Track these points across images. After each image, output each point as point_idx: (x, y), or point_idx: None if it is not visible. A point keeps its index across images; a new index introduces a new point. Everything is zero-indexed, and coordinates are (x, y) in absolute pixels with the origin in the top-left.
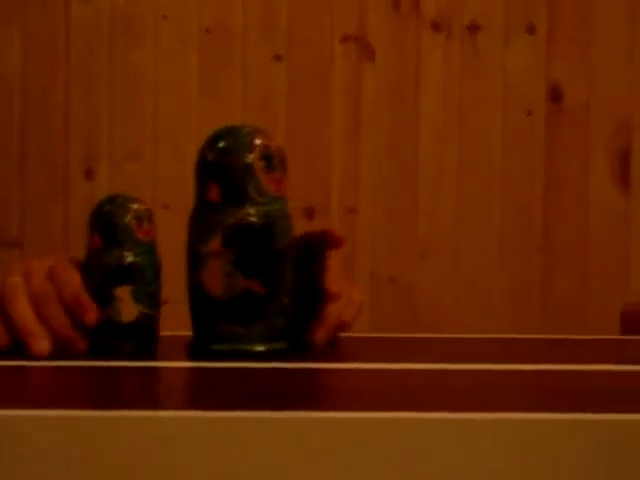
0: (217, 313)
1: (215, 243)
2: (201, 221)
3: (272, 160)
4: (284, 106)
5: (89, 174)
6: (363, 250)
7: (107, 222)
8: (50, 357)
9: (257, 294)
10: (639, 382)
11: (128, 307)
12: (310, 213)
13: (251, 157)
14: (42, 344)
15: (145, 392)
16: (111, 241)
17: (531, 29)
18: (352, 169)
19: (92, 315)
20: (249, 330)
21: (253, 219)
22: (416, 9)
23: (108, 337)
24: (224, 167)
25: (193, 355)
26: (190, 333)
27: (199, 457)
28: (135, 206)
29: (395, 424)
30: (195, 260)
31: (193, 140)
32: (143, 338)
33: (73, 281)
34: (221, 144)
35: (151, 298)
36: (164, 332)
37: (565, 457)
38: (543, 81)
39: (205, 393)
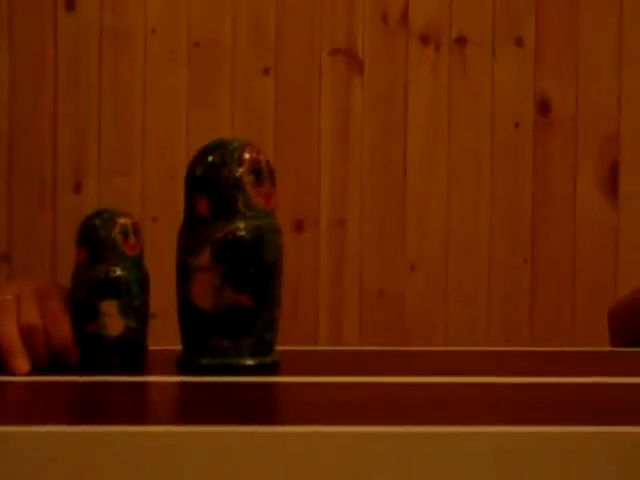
0: (206, 327)
1: (204, 257)
2: (190, 235)
3: (261, 174)
4: (273, 119)
5: (77, 188)
6: (352, 263)
7: (93, 237)
8: (38, 372)
9: (246, 308)
10: (629, 394)
11: (114, 321)
12: (299, 226)
13: (240, 171)
14: (24, 364)
15: (133, 407)
16: (97, 256)
17: (519, 42)
18: (341, 182)
19: (74, 362)
20: (238, 344)
21: (242, 233)
22: (404, 22)
23: (95, 352)
24: (213, 181)
25: (182, 369)
26: (179, 347)
27: (187, 472)
28: (122, 220)
29: (383, 437)
30: (184, 274)
31: (182, 153)
32: (130, 352)
33: (64, 328)
34: (210, 158)
35: (137, 312)
36: (153, 346)
37: (552, 470)
38: (531, 93)
39: (193, 408)
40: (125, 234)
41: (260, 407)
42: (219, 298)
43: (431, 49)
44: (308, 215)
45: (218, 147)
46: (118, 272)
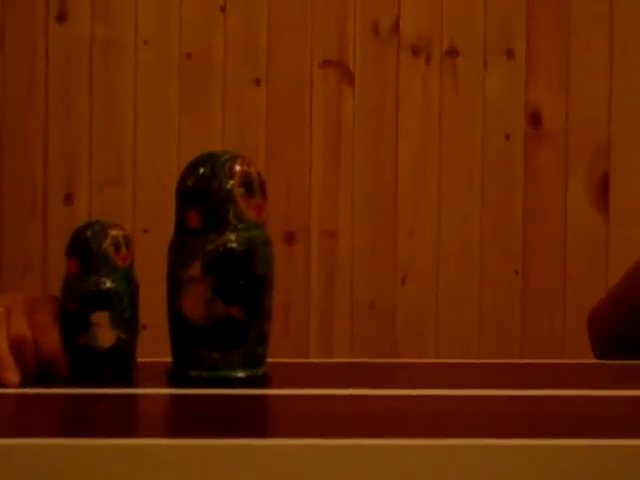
0: (197, 339)
1: (195, 269)
2: (181, 247)
3: (252, 186)
4: (264, 130)
5: (68, 199)
6: (343, 275)
7: (84, 248)
8: (28, 384)
9: (237, 320)
10: (619, 407)
11: (105, 333)
12: (290, 237)
13: (231, 183)
14: (14, 376)
15: (122, 420)
16: (88, 267)
17: (510, 54)
18: (332, 193)
19: (64, 374)
20: (229, 356)
21: (233, 245)
22: (395, 33)
23: (85, 363)
24: (204, 193)
25: (172, 382)
26: (169, 359)
27: None
28: (113, 232)
29: (374, 450)
30: (175, 286)
31: (173, 164)
32: (120, 364)
33: (53, 340)
34: (201, 170)
35: (128, 324)
36: (142, 358)
37: None
38: (522, 105)
39: (183, 420)
40: (117, 245)
41: (250, 420)
42: (210, 310)
43: (422, 61)
44: (299, 227)
45: (209, 159)
46: (109, 283)
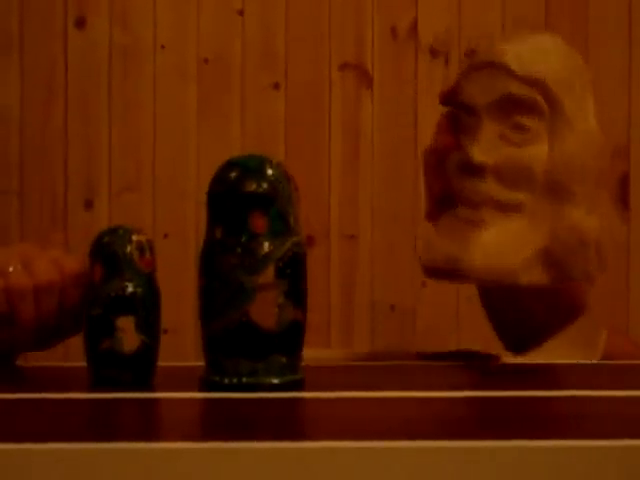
0: (268, 345)
1: (268, 275)
2: (244, 252)
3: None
4: (283, 134)
5: (88, 204)
6: (363, 278)
7: (108, 253)
8: (52, 390)
9: (301, 324)
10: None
11: (130, 337)
12: (310, 241)
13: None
14: (30, 313)
15: (153, 424)
16: (112, 271)
17: None
18: (351, 196)
19: (78, 331)
20: (294, 360)
21: (301, 249)
22: (414, 36)
23: (109, 367)
24: (272, 197)
25: (245, 389)
26: (189, 363)
27: None
28: (136, 237)
29: (395, 453)
30: (241, 293)
31: (192, 169)
32: (143, 369)
33: (79, 291)
34: (267, 173)
35: (151, 328)
36: (162, 362)
37: None
38: None
39: (215, 425)
40: (141, 250)
41: (285, 423)
42: (281, 316)
43: (440, 62)
44: (318, 230)
45: (260, 161)
46: (135, 288)
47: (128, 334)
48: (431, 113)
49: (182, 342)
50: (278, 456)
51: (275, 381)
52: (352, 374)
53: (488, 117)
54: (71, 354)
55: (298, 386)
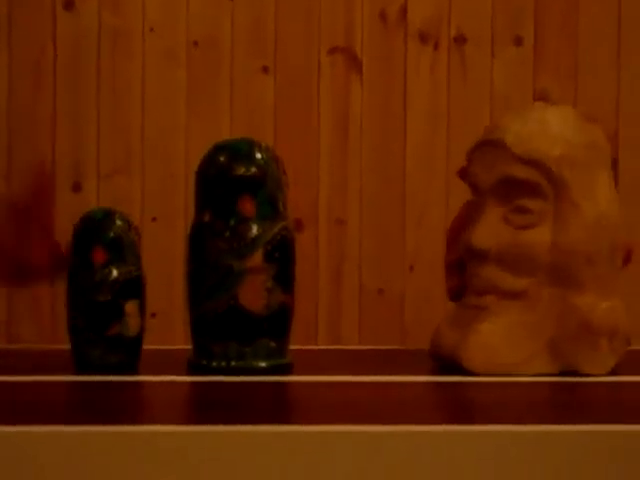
0: (256, 329)
1: (256, 259)
2: (232, 236)
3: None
4: (272, 118)
5: (76, 187)
6: (351, 262)
7: (112, 237)
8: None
9: (289, 308)
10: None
11: (135, 321)
12: (298, 225)
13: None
14: None
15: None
16: (117, 256)
17: (518, 41)
18: (340, 181)
19: None
20: (282, 344)
21: (289, 233)
22: (403, 20)
23: (116, 352)
24: (260, 181)
25: (234, 372)
26: (174, 347)
27: (195, 472)
28: (132, 222)
29: (383, 437)
30: (230, 277)
31: (181, 152)
32: (139, 351)
33: None
34: (255, 157)
35: (145, 312)
36: (149, 345)
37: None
38: (530, 93)
39: (202, 408)
40: (138, 236)
41: (273, 407)
42: (270, 299)
43: (430, 48)
44: (307, 214)
45: (247, 145)
46: (139, 272)
47: (133, 318)
48: (419, 98)
49: (170, 326)
50: (266, 439)
51: (263, 365)
52: (340, 358)
53: (491, 199)
54: (59, 338)
55: (286, 370)
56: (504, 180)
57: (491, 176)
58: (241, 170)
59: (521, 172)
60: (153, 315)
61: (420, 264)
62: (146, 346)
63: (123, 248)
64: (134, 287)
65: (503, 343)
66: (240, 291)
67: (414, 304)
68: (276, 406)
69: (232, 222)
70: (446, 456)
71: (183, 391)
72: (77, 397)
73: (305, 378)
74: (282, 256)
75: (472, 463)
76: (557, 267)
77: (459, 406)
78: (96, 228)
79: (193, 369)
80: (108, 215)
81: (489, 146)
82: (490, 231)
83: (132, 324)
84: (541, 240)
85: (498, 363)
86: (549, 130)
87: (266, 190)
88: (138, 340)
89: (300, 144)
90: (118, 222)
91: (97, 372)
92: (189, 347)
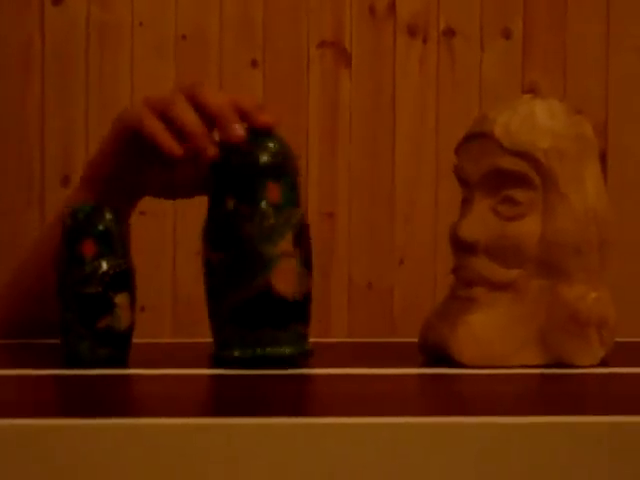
0: (290, 314)
1: (287, 243)
2: (261, 222)
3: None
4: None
5: (65, 182)
6: (341, 256)
7: (104, 230)
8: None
9: (310, 293)
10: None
11: (126, 314)
12: None
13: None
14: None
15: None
16: (108, 248)
17: (507, 34)
18: (329, 174)
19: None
20: (307, 330)
21: (306, 220)
22: (392, 14)
23: (106, 346)
24: (283, 167)
25: (258, 363)
26: (163, 340)
27: (201, 465)
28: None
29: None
30: (262, 263)
31: None
32: (129, 345)
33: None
34: (271, 145)
35: (135, 304)
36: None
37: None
38: (519, 85)
39: (225, 402)
40: (128, 226)
41: (285, 399)
42: (301, 284)
43: (419, 41)
44: None
45: (268, 134)
46: (129, 264)
47: (124, 311)
48: (409, 92)
49: (159, 320)
50: (258, 432)
51: (293, 351)
52: (355, 350)
53: (480, 191)
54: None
55: (310, 356)
56: (492, 172)
57: (479, 168)
58: (267, 157)
59: (509, 163)
60: (142, 309)
61: (409, 258)
62: (135, 340)
63: (112, 241)
64: (124, 280)
65: (493, 334)
66: (273, 276)
67: (403, 298)
68: (269, 401)
69: (259, 208)
70: (438, 448)
71: (178, 384)
72: (67, 391)
73: (296, 371)
74: (306, 241)
75: (463, 455)
76: (546, 258)
77: (450, 398)
78: (85, 221)
79: (220, 361)
80: (97, 208)
81: (477, 139)
82: (478, 223)
83: (122, 317)
84: (530, 231)
85: (488, 355)
86: (537, 122)
87: (288, 176)
88: (128, 333)
89: (289, 138)
90: (107, 215)
91: (87, 366)
92: (178, 340)
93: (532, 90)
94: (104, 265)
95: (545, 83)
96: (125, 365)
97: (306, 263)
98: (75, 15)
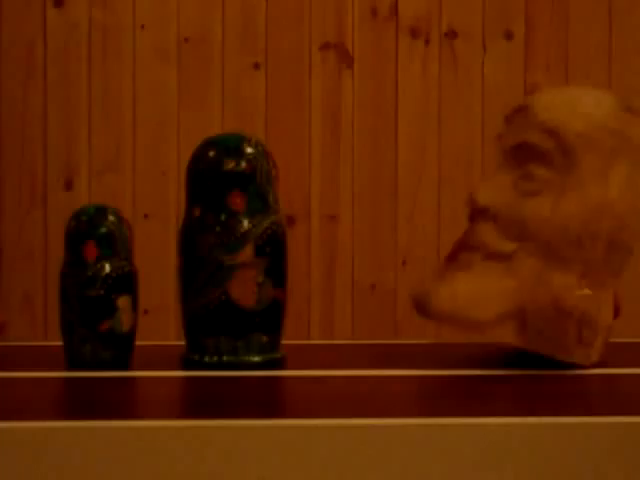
0: (248, 324)
1: (246, 253)
2: (222, 231)
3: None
4: (263, 114)
5: (68, 185)
6: (344, 258)
7: (107, 233)
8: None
9: (281, 303)
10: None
11: (128, 317)
12: (291, 220)
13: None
14: None
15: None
16: (109, 251)
17: (509, 35)
18: (332, 176)
19: None
20: (274, 339)
21: (280, 228)
22: (394, 16)
23: (108, 348)
24: (250, 176)
25: (226, 367)
26: (165, 342)
27: (184, 466)
28: (123, 217)
29: (375, 430)
30: (221, 272)
31: (173, 149)
32: (131, 348)
33: None
34: (245, 152)
35: (137, 307)
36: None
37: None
38: (521, 87)
39: (195, 403)
40: (131, 230)
41: (266, 401)
42: (261, 294)
43: (421, 43)
44: (299, 210)
45: (238, 140)
46: (131, 267)
47: (126, 314)
48: (411, 93)
49: (163, 322)
50: (258, 433)
51: (256, 359)
52: (332, 353)
53: (508, 162)
54: (49, 335)
55: (279, 364)
56: (520, 145)
57: (512, 139)
58: (231, 165)
59: (537, 138)
60: (146, 312)
61: (412, 259)
62: (139, 342)
63: (115, 243)
64: (126, 282)
65: (473, 299)
66: (231, 286)
67: (407, 299)
68: (268, 400)
69: (222, 217)
70: (438, 448)
71: (174, 386)
72: (69, 393)
73: (298, 373)
74: (273, 250)
75: (464, 455)
76: (547, 240)
77: (450, 398)
78: (88, 224)
79: (186, 364)
80: (100, 211)
81: (522, 111)
82: (495, 190)
83: (124, 319)
84: (539, 209)
85: (462, 316)
86: (579, 107)
87: (256, 185)
88: (130, 336)
89: (292, 140)
90: (110, 218)
91: (89, 368)
92: (182, 343)
93: (534, 91)
94: (107, 267)
95: (547, 84)
96: (127, 367)
97: (271, 272)
98: (77, 18)
